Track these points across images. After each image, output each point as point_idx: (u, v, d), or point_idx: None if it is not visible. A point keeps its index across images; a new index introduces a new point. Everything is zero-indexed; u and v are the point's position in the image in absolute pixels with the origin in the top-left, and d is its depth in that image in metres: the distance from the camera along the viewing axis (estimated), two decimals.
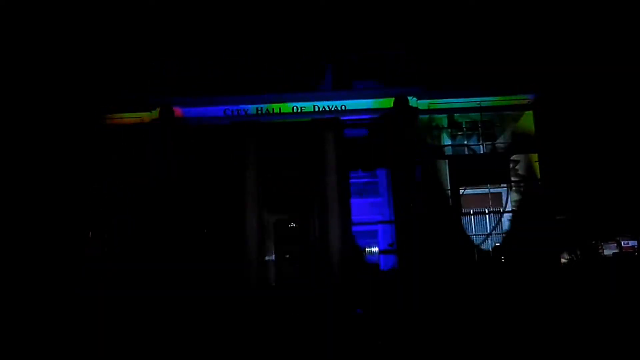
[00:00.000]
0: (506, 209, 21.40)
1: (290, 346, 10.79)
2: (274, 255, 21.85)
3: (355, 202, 21.43)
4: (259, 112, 20.94)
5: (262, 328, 12.66)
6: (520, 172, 21.45)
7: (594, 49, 23.14)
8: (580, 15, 22.98)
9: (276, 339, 11.49)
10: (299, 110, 20.99)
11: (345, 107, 20.96)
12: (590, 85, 23.00)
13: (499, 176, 21.30)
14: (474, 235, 21.40)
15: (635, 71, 22.29)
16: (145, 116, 21.02)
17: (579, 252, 22.62)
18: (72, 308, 15.16)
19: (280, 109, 20.96)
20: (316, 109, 20.95)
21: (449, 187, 21.14)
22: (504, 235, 21.25)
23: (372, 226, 21.84)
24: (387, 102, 20.73)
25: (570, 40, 23.14)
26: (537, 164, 21.21)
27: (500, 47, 21.61)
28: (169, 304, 15.66)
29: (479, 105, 21.36)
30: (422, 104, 21.11)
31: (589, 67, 22.84)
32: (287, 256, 22.12)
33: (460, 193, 21.14)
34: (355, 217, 21.14)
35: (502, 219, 21.48)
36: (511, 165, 21.38)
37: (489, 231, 21.51)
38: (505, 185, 21.42)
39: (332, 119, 21.00)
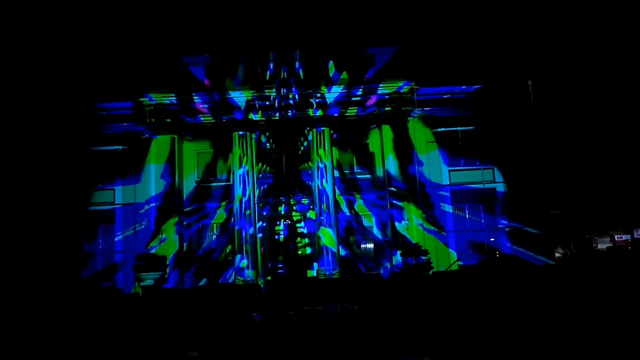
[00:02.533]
0: (500, 204, 21.48)
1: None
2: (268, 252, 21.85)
3: (351, 197, 21.60)
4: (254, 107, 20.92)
5: None
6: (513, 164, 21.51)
7: (587, 42, 23.16)
8: (573, 6, 22.97)
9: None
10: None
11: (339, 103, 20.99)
12: (584, 79, 23.03)
13: (494, 169, 21.46)
14: (468, 230, 21.49)
15: (629, 65, 22.34)
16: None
17: (573, 247, 22.73)
18: (71, 307, 15.14)
19: (274, 104, 20.92)
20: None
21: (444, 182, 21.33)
22: (497, 230, 21.33)
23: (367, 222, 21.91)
24: (382, 97, 20.77)
25: (563, 34, 23.15)
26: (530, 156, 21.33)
27: (493, 40, 21.60)
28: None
29: (472, 99, 21.50)
30: (417, 98, 21.18)
31: (584, 60, 22.86)
32: (282, 257, 22.12)
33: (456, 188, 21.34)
34: (350, 213, 21.32)
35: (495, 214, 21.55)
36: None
37: (482, 226, 21.61)
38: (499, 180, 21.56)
39: (327, 115, 20.98)
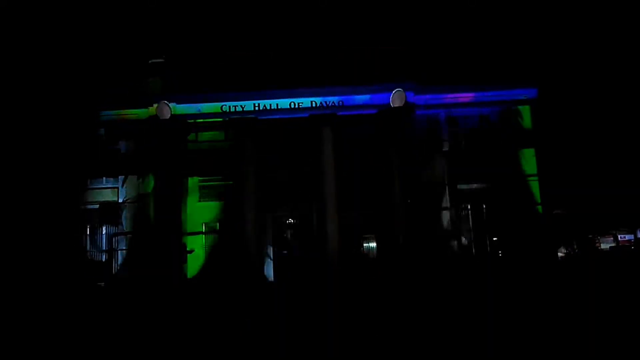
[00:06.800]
0: (503, 204, 21.47)
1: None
2: (271, 252, 21.90)
3: (353, 197, 21.65)
4: (256, 108, 20.93)
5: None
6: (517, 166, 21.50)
7: (593, 45, 23.15)
8: (580, 9, 22.96)
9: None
10: (297, 107, 20.98)
11: (342, 103, 20.96)
12: (588, 80, 23.02)
13: (497, 171, 21.42)
14: (471, 230, 21.50)
15: (633, 67, 22.33)
16: (142, 113, 21.04)
17: (576, 247, 22.73)
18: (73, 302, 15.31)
19: (277, 105, 20.95)
20: (313, 105, 20.96)
21: (447, 182, 21.29)
22: (500, 229, 21.34)
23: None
24: (385, 98, 20.76)
25: (570, 35, 23.14)
26: (534, 159, 21.29)
27: (498, 42, 21.60)
28: None
29: (476, 101, 21.47)
30: (420, 99, 21.19)
31: (588, 62, 22.86)
32: (285, 252, 22.16)
33: (458, 188, 21.34)
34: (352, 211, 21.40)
35: (499, 214, 21.55)
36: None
37: (485, 226, 21.62)
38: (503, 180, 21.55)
39: (330, 115, 21.01)
